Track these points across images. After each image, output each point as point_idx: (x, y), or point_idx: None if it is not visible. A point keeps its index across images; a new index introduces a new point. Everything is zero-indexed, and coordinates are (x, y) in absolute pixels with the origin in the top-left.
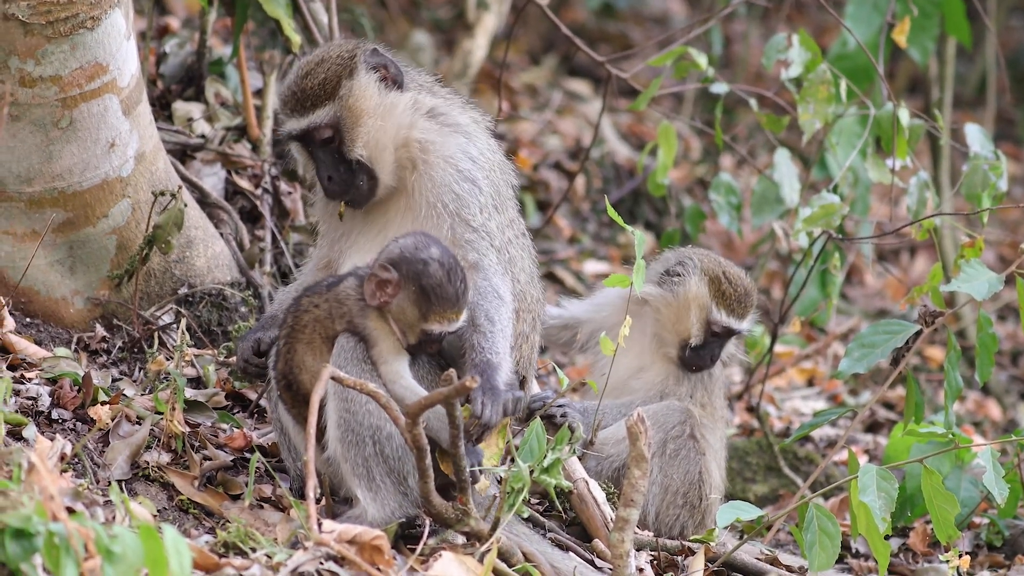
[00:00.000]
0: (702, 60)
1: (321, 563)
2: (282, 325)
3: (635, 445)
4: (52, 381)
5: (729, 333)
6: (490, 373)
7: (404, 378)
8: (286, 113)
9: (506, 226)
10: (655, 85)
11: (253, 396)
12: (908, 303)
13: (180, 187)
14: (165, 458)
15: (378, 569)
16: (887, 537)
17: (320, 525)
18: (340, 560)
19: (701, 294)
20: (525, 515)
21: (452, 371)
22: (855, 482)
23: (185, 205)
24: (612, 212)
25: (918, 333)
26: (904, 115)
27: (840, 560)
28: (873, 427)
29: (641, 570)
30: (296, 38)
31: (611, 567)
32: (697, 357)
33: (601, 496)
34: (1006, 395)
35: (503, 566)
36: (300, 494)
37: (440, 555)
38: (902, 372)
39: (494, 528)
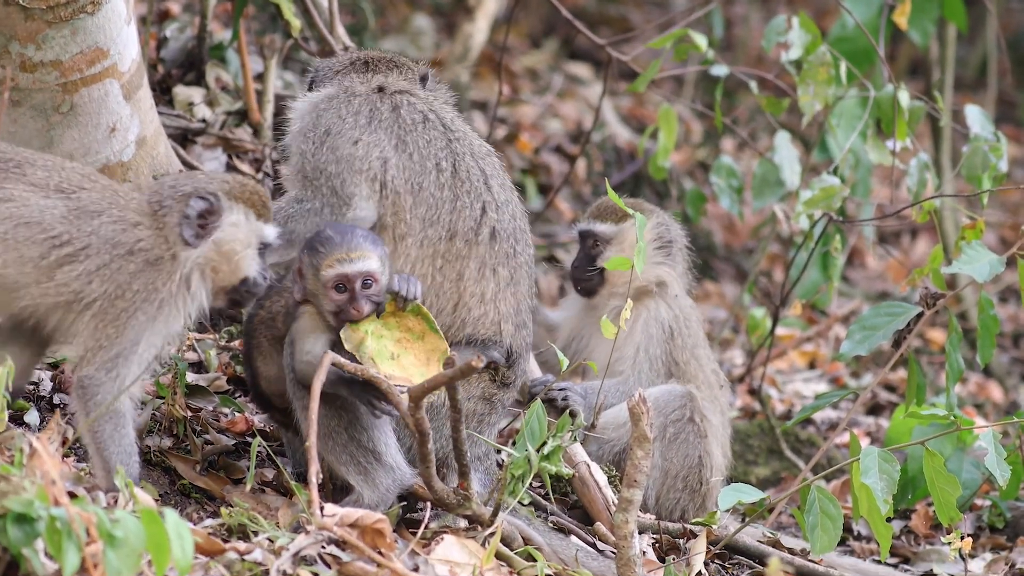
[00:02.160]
0: (702, 42)
1: (323, 547)
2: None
3: (637, 426)
4: (54, 366)
5: (587, 235)
6: None
7: (311, 354)
8: None
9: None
10: (654, 67)
11: None
12: (909, 285)
13: (181, 171)
14: (167, 443)
15: (380, 552)
16: (889, 519)
17: (322, 509)
18: (342, 544)
19: None
20: (527, 501)
21: (455, 354)
22: (857, 464)
23: None
24: (612, 195)
25: (920, 315)
26: (904, 97)
27: (842, 543)
28: (875, 409)
29: (643, 553)
30: (296, 22)
31: (613, 550)
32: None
33: (603, 479)
34: (1007, 377)
35: (505, 549)
36: (301, 478)
37: (442, 538)
38: (903, 354)
39: (495, 513)
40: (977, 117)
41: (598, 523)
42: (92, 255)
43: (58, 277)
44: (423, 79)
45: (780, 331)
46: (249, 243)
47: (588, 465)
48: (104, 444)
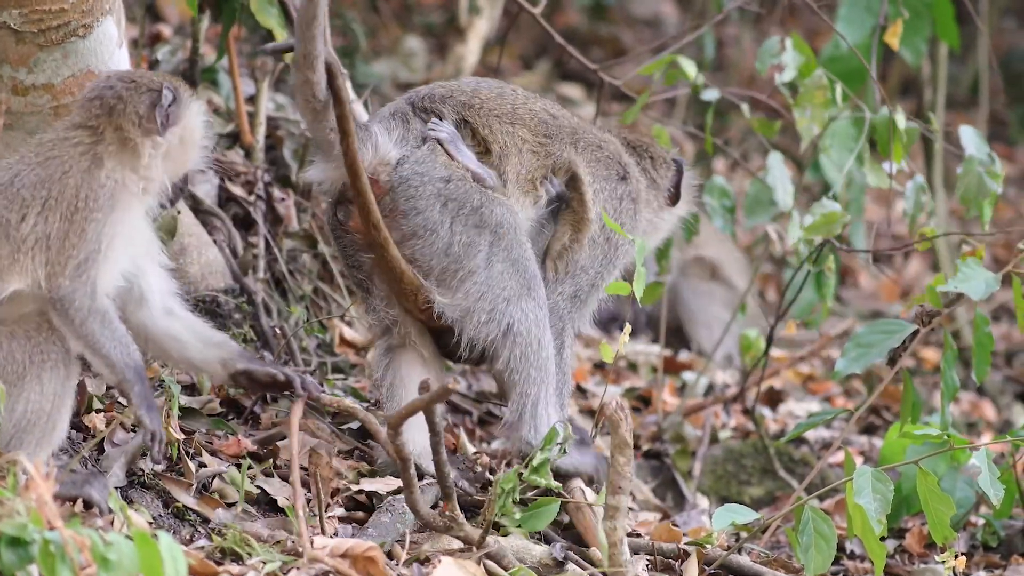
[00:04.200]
0: (691, 69)
1: None
2: None
3: (616, 432)
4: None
5: None
6: None
7: None
8: None
9: None
10: (644, 97)
11: (247, 403)
12: (908, 311)
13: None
14: (160, 465)
15: None
16: (883, 539)
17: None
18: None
19: None
20: (516, 516)
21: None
22: (851, 484)
23: (178, 212)
24: (608, 221)
25: (915, 333)
26: (900, 118)
27: (836, 561)
28: (868, 428)
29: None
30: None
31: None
32: None
33: (599, 509)
34: (1001, 396)
35: (498, 569)
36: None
37: (440, 560)
38: (898, 373)
39: (486, 533)
40: (971, 138)
41: (593, 548)
42: (41, 192)
43: (23, 230)
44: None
45: (774, 351)
46: (204, 136)
47: (583, 491)
48: (98, 342)
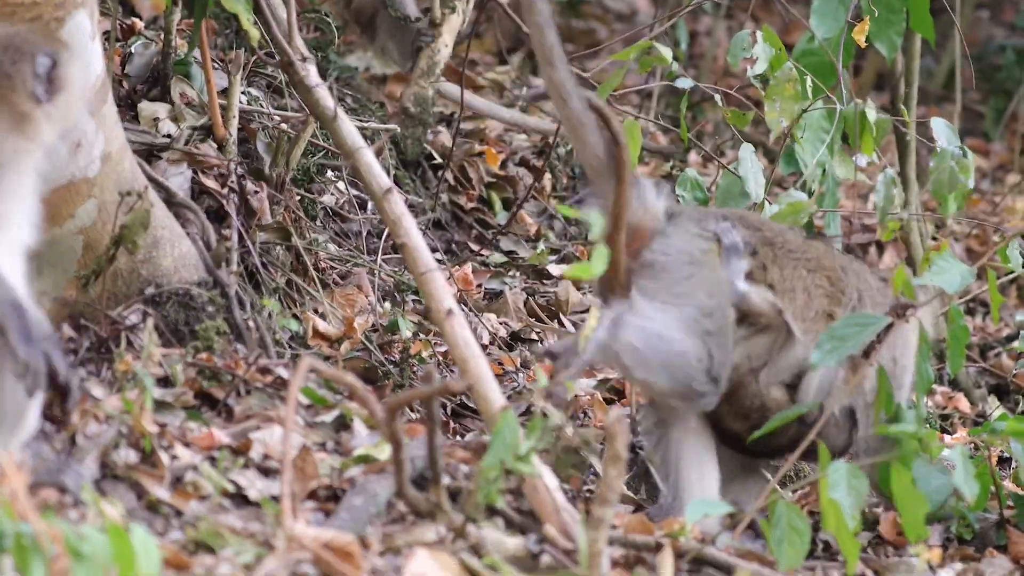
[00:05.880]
0: (667, 54)
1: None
2: None
3: (611, 445)
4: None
5: None
6: None
7: None
8: None
9: None
10: (616, 77)
11: (221, 395)
12: None
13: (146, 187)
14: (133, 458)
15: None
16: (857, 534)
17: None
18: (315, 563)
19: None
20: (500, 505)
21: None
22: (825, 479)
23: (151, 205)
24: (564, 209)
25: (890, 326)
26: (871, 112)
27: (810, 555)
28: None
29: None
30: (255, 32)
31: (561, 553)
32: None
33: (553, 483)
34: (975, 388)
35: (476, 563)
36: None
37: (415, 553)
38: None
39: (468, 519)
40: (943, 130)
41: (548, 525)
42: None
43: None
44: None
45: None
46: (85, 94)
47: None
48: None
